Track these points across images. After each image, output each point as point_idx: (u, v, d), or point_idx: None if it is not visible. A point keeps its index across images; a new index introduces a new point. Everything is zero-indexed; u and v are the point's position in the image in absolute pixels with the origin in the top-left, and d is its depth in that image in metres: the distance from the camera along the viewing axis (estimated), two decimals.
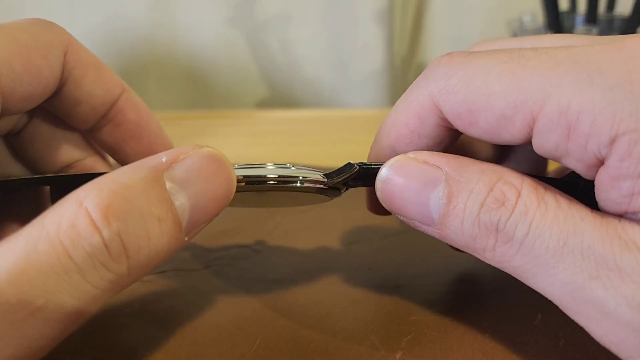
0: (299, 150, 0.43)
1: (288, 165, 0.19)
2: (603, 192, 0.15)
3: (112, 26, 0.58)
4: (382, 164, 0.18)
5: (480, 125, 0.16)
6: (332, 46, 0.59)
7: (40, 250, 0.13)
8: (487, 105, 0.16)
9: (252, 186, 0.18)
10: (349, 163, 0.19)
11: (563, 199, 0.15)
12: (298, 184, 0.19)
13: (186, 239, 0.16)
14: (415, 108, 0.18)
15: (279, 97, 0.61)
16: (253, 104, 0.62)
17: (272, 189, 0.19)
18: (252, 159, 0.19)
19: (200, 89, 0.61)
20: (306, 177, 0.19)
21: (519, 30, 0.44)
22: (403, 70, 0.62)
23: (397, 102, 0.19)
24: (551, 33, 0.39)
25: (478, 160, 0.17)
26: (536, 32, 0.43)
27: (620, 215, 0.15)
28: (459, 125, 0.17)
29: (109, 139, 0.22)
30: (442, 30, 0.60)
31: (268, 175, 0.18)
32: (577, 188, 0.17)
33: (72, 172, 0.23)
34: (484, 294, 0.22)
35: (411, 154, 0.17)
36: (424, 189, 0.17)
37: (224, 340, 0.20)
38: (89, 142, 0.23)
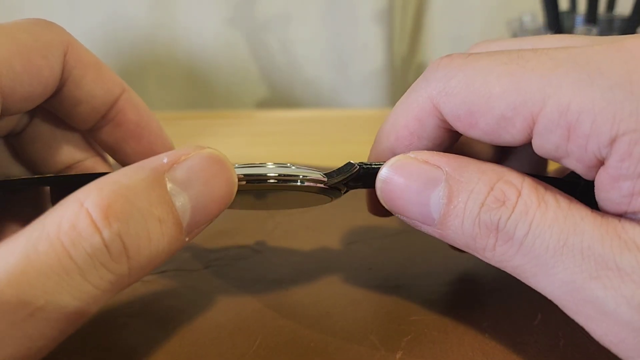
0: (299, 150, 0.43)
1: (288, 164, 0.19)
2: (603, 192, 0.15)
3: (112, 26, 0.58)
4: (382, 164, 0.18)
5: (480, 126, 0.16)
6: (332, 46, 0.59)
7: (41, 250, 0.13)
8: (487, 106, 0.16)
9: (253, 185, 0.18)
10: (349, 162, 0.19)
11: (563, 198, 0.15)
12: (298, 183, 0.19)
13: (187, 239, 0.16)
14: (415, 110, 0.18)
15: (279, 97, 0.61)
16: (253, 104, 0.62)
17: (273, 187, 0.19)
18: (252, 159, 0.19)
19: (200, 89, 0.61)
20: (306, 176, 0.19)
21: (519, 30, 0.44)
22: (403, 70, 0.62)
23: (396, 104, 0.19)
24: (551, 33, 0.39)
25: (478, 160, 0.17)
26: (536, 32, 0.43)
27: (620, 215, 0.15)
28: (459, 127, 0.17)
29: (109, 139, 0.22)
30: (442, 30, 0.60)
31: (268, 174, 0.18)
32: (577, 188, 0.17)
33: (72, 173, 0.23)
34: (484, 294, 0.22)
35: (411, 154, 0.17)
36: (424, 189, 0.17)
37: (224, 340, 0.20)
38: (89, 143, 0.23)
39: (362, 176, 0.19)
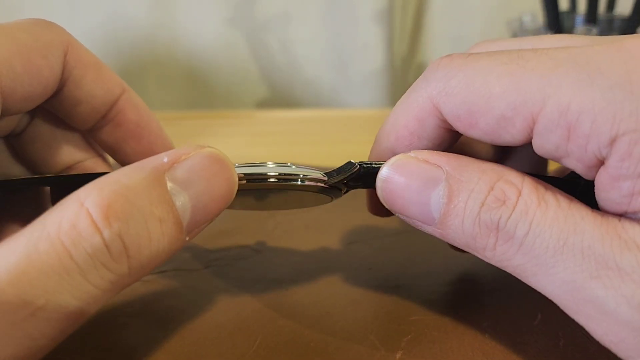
0: (299, 150, 0.43)
1: (289, 164, 0.19)
2: (603, 192, 0.15)
3: (112, 26, 0.58)
4: (382, 163, 0.18)
5: (480, 126, 0.16)
6: (332, 46, 0.59)
7: (41, 250, 0.13)
8: (487, 106, 0.16)
9: (253, 184, 0.18)
10: (350, 162, 0.19)
11: (563, 198, 0.15)
12: (299, 182, 0.19)
13: (187, 238, 0.16)
14: (415, 110, 0.18)
15: (279, 97, 0.61)
16: (253, 104, 0.62)
17: (273, 186, 0.19)
18: (252, 159, 0.19)
19: (200, 89, 0.61)
20: (307, 176, 0.19)
21: (519, 30, 0.44)
22: (403, 70, 0.62)
23: (397, 104, 0.19)
24: (551, 33, 0.39)
25: (479, 160, 0.17)
26: (536, 32, 0.43)
27: (620, 215, 0.15)
28: (459, 127, 0.17)
29: (109, 139, 0.22)
30: (442, 30, 0.60)
31: (269, 173, 0.18)
32: (578, 187, 0.17)
33: (72, 173, 0.23)
34: (484, 294, 0.22)
35: (412, 153, 0.17)
36: (424, 188, 0.17)
37: (224, 340, 0.20)
38: (89, 143, 0.23)
39: (363, 176, 0.19)
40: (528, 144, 0.16)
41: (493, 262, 0.16)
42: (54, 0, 0.57)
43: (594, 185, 0.15)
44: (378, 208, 0.21)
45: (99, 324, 0.21)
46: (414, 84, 0.18)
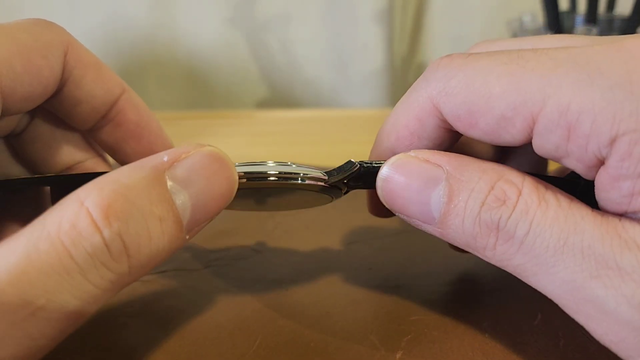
0: (299, 150, 0.43)
1: (289, 163, 0.19)
2: (603, 192, 0.15)
3: (112, 26, 0.58)
4: (382, 163, 0.18)
5: (480, 126, 0.16)
6: (332, 46, 0.59)
7: (42, 250, 0.13)
8: (487, 106, 0.16)
9: (253, 182, 0.18)
10: (350, 161, 0.19)
11: (563, 197, 0.15)
12: (299, 181, 0.19)
13: (187, 237, 0.16)
14: (415, 110, 0.18)
15: (279, 97, 0.61)
16: (253, 104, 0.62)
17: (273, 185, 0.19)
18: (252, 159, 0.19)
19: (200, 89, 0.61)
20: (307, 174, 0.19)
21: (519, 30, 0.44)
22: (403, 70, 0.62)
23: (397, 104, 0.19)
24: (551, 33, 0.39)
25: (479, 159, 0.17)
26: (536, 32, 0.43)
27: (620, 215, 0.15)
28: (459, 127, 0.17)
29: (109, 139, 0.22)
30: (442, 30, 0.60)
31: (269, 172, 0.18)
32: (578, 187, 0.17)
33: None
34: (484, 294, 0.22)
35: (412, 153, 0.18)
36: (424, 188, 0.17)
37: (224, 340, 0.20)
38: (89, 144, 0.23)
39: (363, 175, 0.19)
40: (528, 144, 0.16)
41: (493, 262, 0.16)
42: (54, 0, 0.57)
43: (594, 185, 0.15)
44: (378, 209, 0.21)
45: (99, 324, 0.21)
46: (414, 84, 0.18)
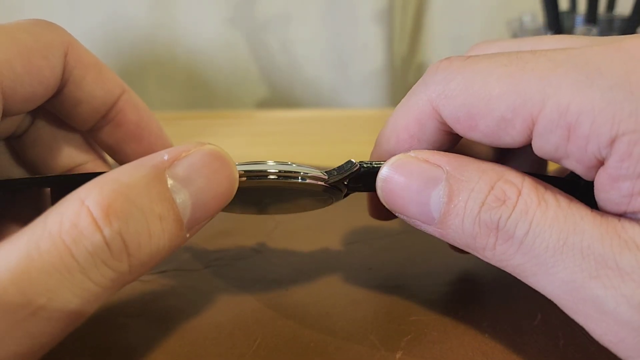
0: (299, 150, 0.43)
1: (289, 162, 0.19)
2: (603, 193, 0.15)
3: (112, 26, 0.58)
4: (382, 163, 0.18)
5: (480, 128, 0.16)
6: (332, 46, 0.59)
7: (43, 249, 0.13)
8: (486, 108, 0.16)
9: (253, 181, 0.18)
10: (350, 161, 0.19)
11: (563, 198, 0.15)
12: (299, 180, 0.19)
13: (187, 235, 0.16)
14: (415, 113, 0.18)
15: (279, 97, 0.61)
16: (253, 104, 0.62)
17: (273, 183, 0.19)
18: (252, 159, 0.19)
19: (201, 89, 0.61)
20: (307, 174, 0.19)
21: (519, 31, 0.44)
22: (403, 70, 0.62)
23: (397, 107, 0.19)
24: (551, 33, 0.39)
25: (479, 160, 0.17)
26: (536, 32, 0.43)
27: (620, 215, 0.15)
28: (459, 129, 0.17)
29: (109, 140, 0.22)
30: (442, 30, 0.60)
31: (269, 170, 0.18)
32: (577, 187, 0.17)
33: None
34: (484, 294, 0.22)
35: (412, 153, 0.18)
36: (424, 188, 0.17)
37: (224, 340, 0.20)
38: (90, 146, 0.23)
39: (363, 176, 0.19)
40: (528, 146, 0.16)
41: (493, 262, 0.16)
42: (54, 0, 0.57)
43: (593, 186, 0.15)
44: (379, 212, 0.21)
45: (99, 324, 0.21)
46: (413, 87, 0.18)
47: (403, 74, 0.62)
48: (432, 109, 0.17)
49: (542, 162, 0.23)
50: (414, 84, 0.18)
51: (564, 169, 0.22)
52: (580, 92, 0.14)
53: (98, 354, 0.19)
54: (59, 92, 0.20)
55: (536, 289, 0.16)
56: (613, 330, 0.14)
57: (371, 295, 0.22)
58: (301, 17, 0.58)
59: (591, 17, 0.41)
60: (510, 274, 0.16)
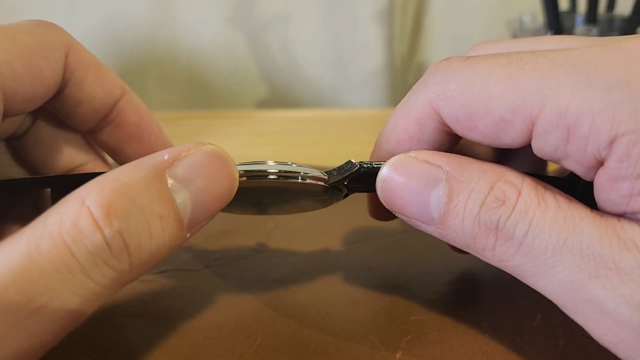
0: (299, 150, 0.43)
1: (289, 163, 0.19)
2: (602, 193, 0.15)
3: (112, 26, 0.58)
4: (382, 163, 0.18)
5: (480, 129, 0.16)
6: (332, 46, 0.59)
7: (43, 248, 0.13)
8: (486, 109, 0.16)
9: (253, 181, 0.18)
10: (350, 161, 0.19)
11: (563, 198, 0.15)
12: (299, 180, 0.19)
13: (188, 235, 0.16)
14: (415, 113, 0.18)
15: (279, 97, 0.61)
16: (253, 104, 0.62)
17: (273, 184, 0.19)
18: (252, 159, 0.19)
19: (201, 89, 0.61)
20: (307, 174, 0.19)
21: (519, 31, 0.44)
22: (403, 70, 0.62)
23: (396, 108, 0.19)
24: (551, 33, 0.39)
25: (478, 160, 0.17)
26: (536, 32, 0.43)
27: (619, 216, 0.15)
28: (459, 130, 0.17)
29: (109, 141, 0.22)
30: (442, 30, 0.60)
31: (269, 170, 0.18)
32: (577, 187, 0.17)
33: None
34: (484, 294, 0.22)
35: (412, 153, 0.18)
36: (424, 188, 0.17)
37: (224, 340, 0.20)
38: (90, 146, 0.23)
39: (363, 176, 0.19)
40: (527, 146, 0.16)
41: (492, 263, 0.16)
42: (54, 0, 0.57)
43: (593, 186, 0.15)
44: (379, 212, 0.21)
45: (99, 324, 0.21)
46: (413, 87, 0.18)
47: (403, 74, 0.62)
48: (432, 110, 0.17)
49: (542, 163, 0.23)
50: (414, 84, 0.18)
51: (563, 169, 0.22)
52: (580, 92, 0.14)
53: (98, 354, 0.19)
54: (60, 92, 0.20)
55: (536, 289, 0.16)
56: (612, 330, 0.14)
57: (371, 295, 0.22)
58: (301, 17, 0.58)
59: (591, 17, 0.41)
60: (510, 274, 0.16)
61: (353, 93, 0.60)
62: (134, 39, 0.58)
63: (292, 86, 0.61)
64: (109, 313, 0.21)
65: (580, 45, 0.16)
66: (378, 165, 0.18)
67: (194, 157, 0.16)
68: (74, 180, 0.19)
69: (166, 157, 0.16)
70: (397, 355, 0.19)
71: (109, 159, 0.24)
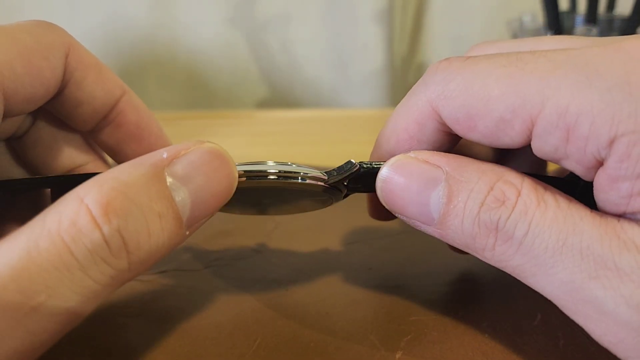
0: (299, 150, 0.43)
1: (289, 163, 0.19)
2: (602, 193, 0.15)
3: (112, 26, 0.58)
4: (382, 163, 0.18)
5: (480, 129, 0.16)
6: (332, 46, 0.59)
7: (42, 247, 0.13)
8: (485, 109, 0.16)
9: (253, 181, 0.18)
10: (350, 161, 0.19)
11: (562, 198, 0.15)
12: (299, 180, 0.19)
13: (187, 233, 0.16)
14: (415, 114, 0.18)
15: (279, 97, 0.61)
16: (253, 104, 0.62)
17: (273, 184, 0.19)
18: (252, 159, 0.19)
19: (201, 89, 0.61)
20: (307, 174, 0.19)
21: (519, 31, 0.44)
22: (403, 70, 0.62)
23: (396, 108, 0.19)
24: (551, 33, 0.39)
25: (478, 160, 0.17)
26: (536, 32, 0.43)
27: (619, 216, 0.15)
28: (458, 130, 0.17)
29: (109, 141, 0.22)
30: (442, 30, 0.60)
31: (269, 170, 0.18)
32: (577, 187, 0.17)
33: None
34: (484, 294, 0.22)
35: (412, 154, 0.18)
36: (424, 188, 0.17)
37: (224, 340, 0.20)
38: (90, 146, 0.23)
39: (362, 176, 0.19)
40: (527, 147, 0.16)
41: (492, 263, 0.16)
42: (54, 0, 0.57)
43: (592, 186, 0.15)
44: (379, 212, 0.21)
45: (99, 324, 0.21)
46: (413, 87, 0.18)
47: (403, 74, 0.62)
48: (432, 110, 0.17)
49: (542, 163, 0.23)
50: (414, 84, 0.18)
51: (563, 169, 0.22)
52: (580, 93, 0.14)
53: (98, 354, 0.19)
54: (60, 93, 0.20)
55: (535, 289, 0.16)
56: (612, 330, 0.14)
57: (371, 295, 0.22)
58: (301, 17, 0.58)
59: (591, 17, 0.41)
60: (510, 274, 0.16)
61: (353, 93, 0.60)
62: (134, 39, 0.58)
63: (292, 86, 0.61)
64: (109, 313, 0.21)
65: (580, 46, 0.16)
66: (378, 166, 0.18)
67: (193, 155, 0.16)
68: (73, 181, 0.19)
69: (165, 155, 0.16)
70: (397, 356, 0.19)
71: (109, 159, 0.24)
